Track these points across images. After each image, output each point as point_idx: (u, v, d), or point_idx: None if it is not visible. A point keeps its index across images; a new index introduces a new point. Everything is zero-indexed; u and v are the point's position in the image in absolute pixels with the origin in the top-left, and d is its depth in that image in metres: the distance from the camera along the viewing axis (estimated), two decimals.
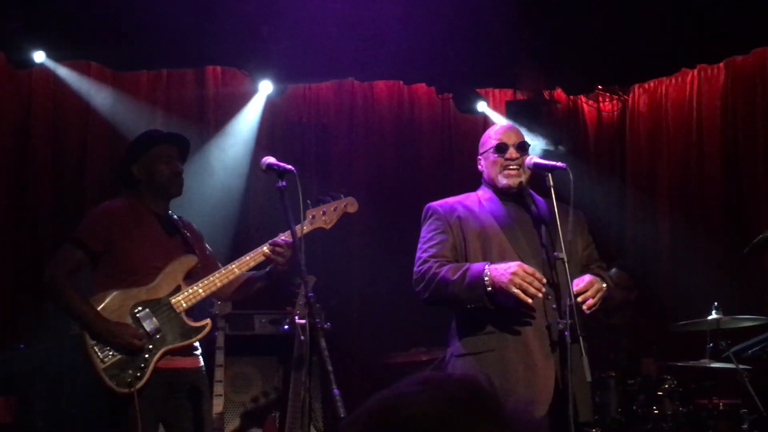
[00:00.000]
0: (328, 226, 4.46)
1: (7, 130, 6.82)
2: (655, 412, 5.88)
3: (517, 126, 4.37)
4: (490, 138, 4.13)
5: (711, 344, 5.72)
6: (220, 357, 5.64)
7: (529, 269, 3.64)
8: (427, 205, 4.15)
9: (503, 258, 3.81)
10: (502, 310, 3.74)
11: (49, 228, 6.69)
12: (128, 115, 6.86)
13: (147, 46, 6.64)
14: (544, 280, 3.66)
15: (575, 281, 3.76)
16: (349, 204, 4.56)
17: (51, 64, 6.68)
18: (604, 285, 3.84)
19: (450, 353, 4.01)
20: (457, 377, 1.26)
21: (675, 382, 5.96)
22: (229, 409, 6.07)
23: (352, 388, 6.33)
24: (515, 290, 3.59)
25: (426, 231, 4.05)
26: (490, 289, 3.65)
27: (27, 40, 6.41)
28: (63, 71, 6.77)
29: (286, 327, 6.06)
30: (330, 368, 3.29)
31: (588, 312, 3.76)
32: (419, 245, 4.04)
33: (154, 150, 4.44)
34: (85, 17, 6.32)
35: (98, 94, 6.88)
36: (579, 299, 3.73)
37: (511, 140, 4.07)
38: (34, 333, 5.95)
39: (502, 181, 4.04)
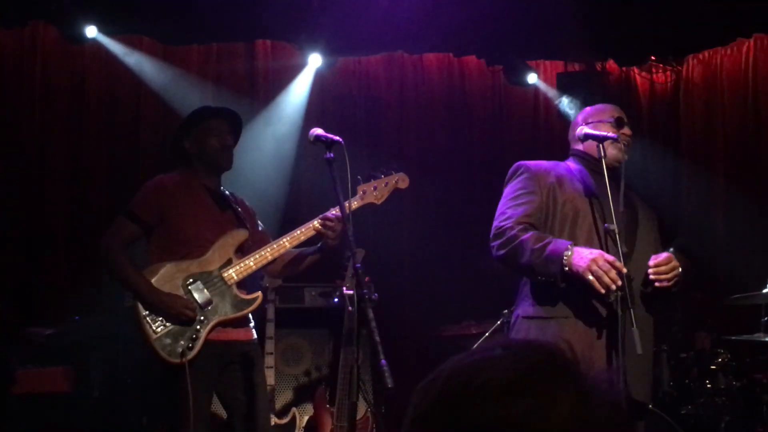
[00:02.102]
0: (379, 202, 4.47)
1: (61, 104, 6.91)
2: (708, 386, 5.83)
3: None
4: (604, 111, 4.11)
5: (766, 318, 5.65)
6: (270, 329, 5.70)
7: (610, 258, 3.56)
8: (519, 162, 4.04)
9: (590, 231, 3.80)
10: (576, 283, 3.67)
11: (103, 201, 6.79)
12: (179, 89, 6.92)
13: (198, 20, 6.68)
14: (624, 271, 3.57)
15: (653, 256, 3.78)
16: (401, 180, 4.55)
17: (103, 39, 6.74)
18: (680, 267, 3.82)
19: (518, 314, 3.94)
20: (538, 344, 1.23)
21: (729, 356, 5.89)
22: (279, 381, 6.12)
23: (403, 361, 6.35)
24: (591, 277, 3.53)
25: (513, 187, 3.96)
26: (567, 269, 3.58)
27: (79, 15, 6.49)
28: (115, 46, 6.83)
29: (336, 300, 6.09)
30: (377, 339, 3.28)
31: (657, 285, 3.74)
32: (503, 200, 3.95)
33: (206, 124, 4.50)
34: None
35: (150, 69, 6.94)
36: (652, 271, 3.73)
37: (625, 119, 4.08)
38: (90, 305, 6.05)
39: (612, 152, 3.97)
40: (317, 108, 7.40)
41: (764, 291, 5.55)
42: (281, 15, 6.73)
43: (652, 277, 3.74)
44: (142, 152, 6.99)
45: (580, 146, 4.07)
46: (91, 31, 6.57)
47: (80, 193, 6.88)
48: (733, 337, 5.89)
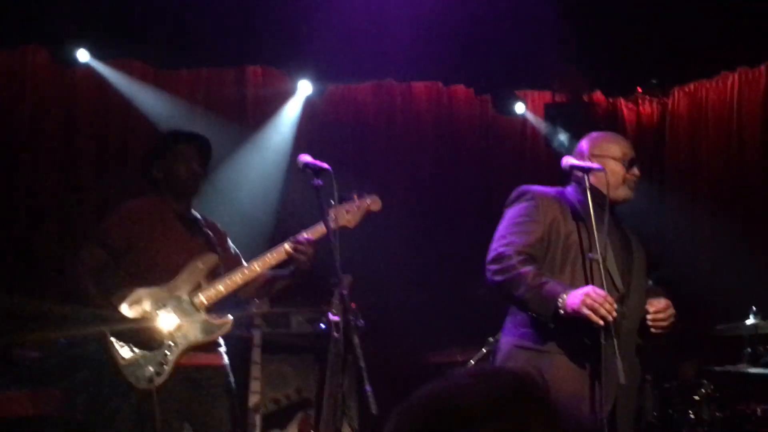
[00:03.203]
0: (352, 225, 4.45)
1: (52, 128, 6.92)
2: (692, 416, 5.85)
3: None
4: (618, 148, 4.07)
5: (749, 349, 5.68)
6: (256, 354, 5.70)
7: (601, 292, 3.58)
8: (524, 186, 4.02)
9: (590, 265, 3.80)
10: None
11: (93, 222, 6.79)
12: (169, 113, 6.94)
13: (188, 45, 6.72)
14: (615, 306, 3.59)
15: (651, 300, 3.85)
16: (373, 202, 4.54)
17: (94, 63, 6.76)
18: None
19: (509, 341, 3.93)
20: (509, 370, 1.28)
21: (712, 386, 5.91)
22: (265, 406, 6.12)
23: (387, 387, 6.34)
24: (586, 311, 3.53)
25: (517, 212, 3.92)
26: (561, 312, 3.59)
27: (71, 38, 6.52)
28: (106, 70, 6.85)
29: (322, 326, 6.09)
30: (363, 365, 3.31)
31: (654, 332, 3.83)
32: (505, 223, 3.92)
33: (173, 150, 4.50)
34: (129, 16, 6.43)
35: (140, 93, 6.96)
36: (651, 317, 3.81)
37: (635, 157, 4.07)
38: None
39: (624, 192, 4.00)
40: (306, 135, 7.43)
41: (748, 322, 5.60)
42: (271, 41, 6.77)
43: (650, 323, 3.81)
44: (132, 174, 6.98)
45: (587, 177, 3.96)
46: (82, 55, 6.60)
47: (70, 216, 6.88)
48: (717, 368, 5.92)
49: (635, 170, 4.02)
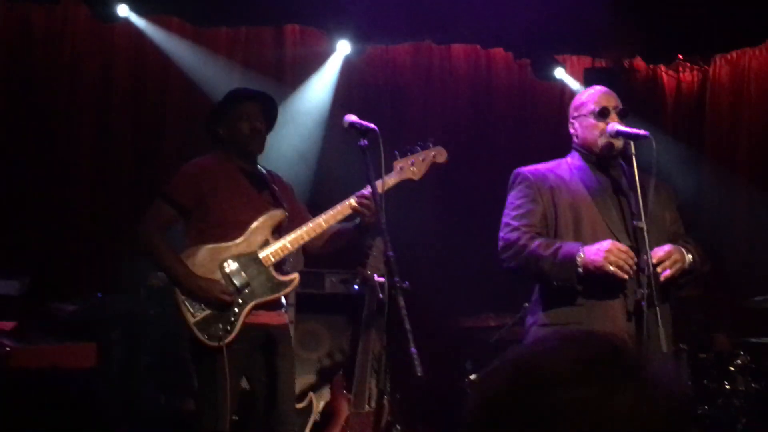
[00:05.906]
0: (417, 177, 4.43)
1: (90, 83, 6.93)
2: (727, 387, 5.83)
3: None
4: (589, 102, 4.02)
5: None
6: (290, 314, 5.72)
7: (623, 247, 3.59)
8: (517, 170, 4.06)
9: (594, 230, 3.79)
10: (590, 284, 3.68)
11: (128, 179, 6.82)
12: (207, 71, 6.93)
13: (227, 3, 6.69)
14: (636, 259, 3.59)
15: (655, 249, 3.72)
16: (438, 154, 4.51)
17: (134, 18, 6.75)
18: (689, 256, 3.77)
19: (532, 321, 3.91)
20: (600, 334, 1.26)
21: (748, 358, 5.89)
22: (297, 366, 6.13)
23: (419, 350, 6.34)
24: (612, 269, 3.54)
25: (514, 197, 3.98)
26: (581, 270, 3.60)
27: None
28: (145, 25, 6.84)
29: (356, 287, 6.10)
30: (408, 327, 3.31)
31: (663, 281, 3.70)
32: (506, 211, 3.97)
33: (237, 108, 4.50)
34: None
35: (178, 49, 6.95)
36: (658, 269, 3.68)
37: (611, 105, 3.99)
38: (112, 282, 6.08)
39: (605, 142, 3.92)
40: (344, 95, 7.39)
41: None
42: (311, 0, 6.74)
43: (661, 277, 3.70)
44: (168, 131, 7.01)
45: (578, 140, 4.02)
46: (122, 10, 6.59)
47: (106, 171, 6.90)
48: (753, 340, 5.89)
49: (612, 118, 3.95)
